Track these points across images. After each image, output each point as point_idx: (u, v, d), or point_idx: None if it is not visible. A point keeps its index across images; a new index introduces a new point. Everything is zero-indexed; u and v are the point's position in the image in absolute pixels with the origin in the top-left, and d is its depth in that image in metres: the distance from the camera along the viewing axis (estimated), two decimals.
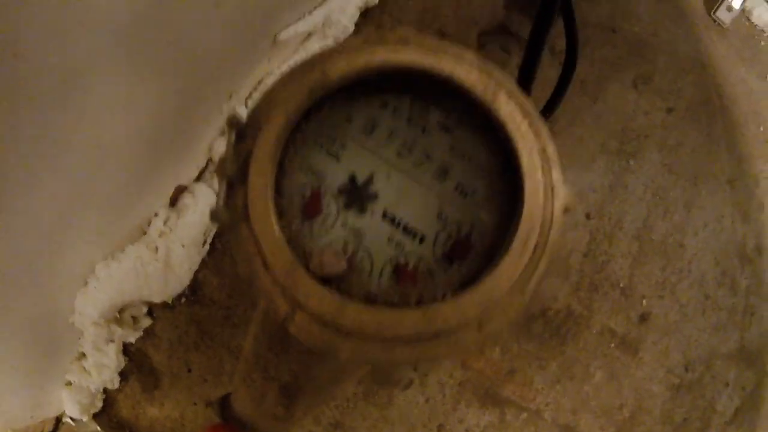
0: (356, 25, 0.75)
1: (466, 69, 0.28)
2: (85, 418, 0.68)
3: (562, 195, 0.28)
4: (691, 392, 0.82)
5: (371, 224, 0.29)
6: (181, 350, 0.71)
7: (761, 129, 1.00)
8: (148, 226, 0.66)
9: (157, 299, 0.67)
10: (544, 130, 0.29)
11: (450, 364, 0.68)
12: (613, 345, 0.76)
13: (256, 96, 0.70)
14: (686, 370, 0.82)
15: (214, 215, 0.26)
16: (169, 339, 0.72)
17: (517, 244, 0.26)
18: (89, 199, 0.55)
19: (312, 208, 0.29)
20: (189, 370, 0.71)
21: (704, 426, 0.83)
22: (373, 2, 0.76)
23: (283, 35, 0.66)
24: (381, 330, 0.24)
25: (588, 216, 0.78)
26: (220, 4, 0.54)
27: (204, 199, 0.68)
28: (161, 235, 0.65)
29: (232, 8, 0.56)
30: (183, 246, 0.65)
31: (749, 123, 0.98)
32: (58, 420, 0.71)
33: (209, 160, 0.71)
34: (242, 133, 0.28)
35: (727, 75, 1.01)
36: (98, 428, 0.72)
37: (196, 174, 0.70)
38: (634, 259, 0.79)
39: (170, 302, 0.70)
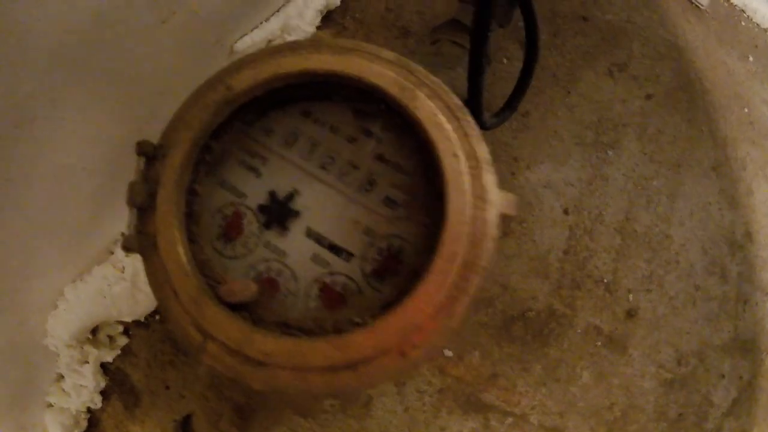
0: (317, 28, 0.73)
1: (378, 69, 0.26)
2: None
3: (496, 201, 0.27)
4: (685, 386, 0.80)
5: (295, 243, 0.28)
6: (157, 368, 0.70)
7: (745, 110, 0.97)
8: (114, 245, 0.64)
9: (127, 318, 0.66)
10: (474, 131, 0.27)
11: (428, 371, 0.67)
12: (599, 343, 0.74)
13: None
14: (678, 364, 0.80)
15: (126, 244, 0.25)
16: (145, 357, 0.71)
17: (440, 261, 0.24)
18: (53, 226, 0.54)
19: (232, 229, 0.27)
20: (167, 387, 0.70)
21: (701, 420, 0.80)
22: (334, 4, 0.75)
23: (240, 45, 0.64)
24: (290, 359, 0.22)
25: (566, 212, 0.76)
26: (167, 19, 0.53)
27: None
28: (127, 254, 0.63)
29: (182, 23, 0.55)
30: None
31: (732, 105, 0.96)
32: None
33: None
34: (152, 158, 0.27)
35: (706, 57, 0.98)
36: None
37: None
38: (618, 253, 0.77)
39: (143, 320, 0.69)
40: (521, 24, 0.51)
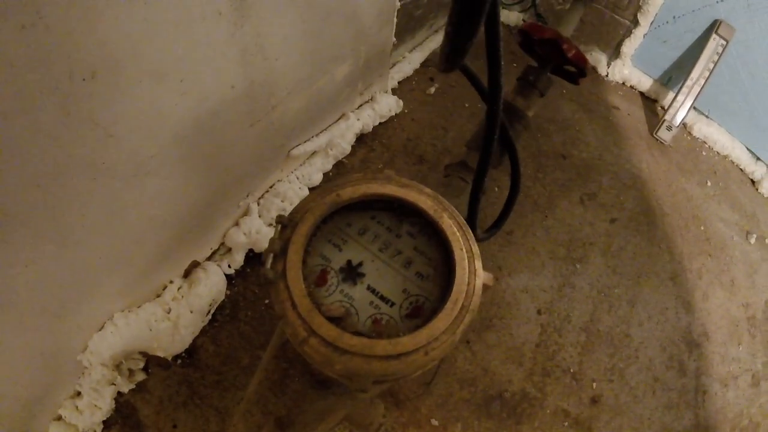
0: (352, 147, 1.02)
1: (423, 198, 0.52)
2: None
3: (482, 276, 0.50)
4: None
5: (359, 292, 0.50)
6: (170, 407, 0.85)
7: (702, 228, 1.26)
8: (164, 290, 0.84)
9: (161, 353, 0.83)
10: (471, 237, 0.52)
11: None
12: (566, 424, 0.92)
13: (272, 196, 0.94)
14: None
15: (264, 274, 0.47)
16: (159, 395, 0.86)
17: (449, 304, 0.47)
18: (126, 258, 0.74)
19: (321, 280, 0.50)
20: (174, 426, 0.84)
21: None
22: (367, 130, 1.05)
23: (295, 151, 0.91)
24: (363, 350, 0.44)
25: (539, 312, 1.00)
26: (254, 124, 0.80)
27: (214, 275, 0.88)
28: (174, 299, 0.83)
29: (262, 129, 0.82)
30: (191, 312, 0.83)
31: (690, 225, 1.25)
32: None
33: (222, 244, 0.92)
34: (284, 226, 0.50)
35: (667, 186, 1.30)
36: None
37: (209, 254, 0.91)
38: (583, 348, 0.99)
39: (169, 360, 0.86)
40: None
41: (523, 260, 1.04)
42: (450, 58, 0.37)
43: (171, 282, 0.85)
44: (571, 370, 0.96)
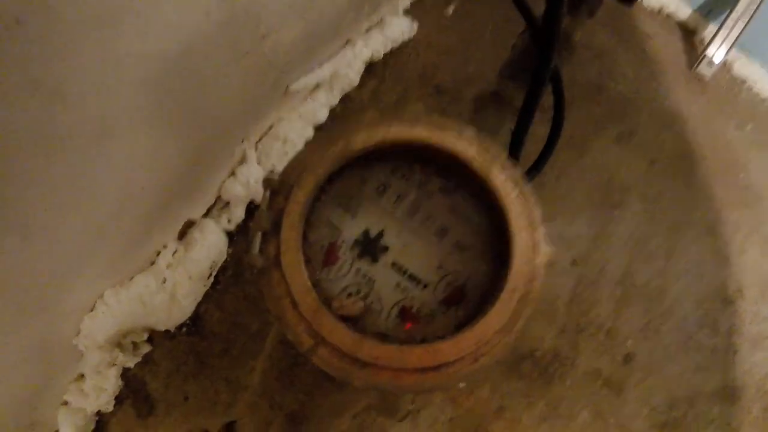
0: (361, 78, 0.83)
1: (465, 144, 0.35)
2: None
3: (544, 252, 0.35)
4: (677, 429, 0.87)
5: (381, 272, 0.36)
6: (178, 379, 0.75)
7: (741, 176, 1.09)
8: (157, 257, 0.71)
9: (160, 327, 0.71)
10: (530, 197, 0.36)
11: (441, 401, 0.73)
12: (598, 384, 0.81)
13: (271, 138, 0.77)
14: (671, 408, 0.87)
15: (250, 261, 0.33)
16: (167, 367, 0.76)
17: (505, 294, 0.33)
18: (106, 235, 0.61)
19: (330, 257, 0.35)
20: (186, 399, 0.75)
21: None
22: (377, 58, 0.85)
23: (294, 86, 0.73)
24: (392, 362, 0.30)
25: (574, 263, 0.86)
26: (241, 59, 0.62)
27: (211, 234, 0.73)
28: (169, 266, 0.70)
29: (252, 63, 0.64)
30: (189, 278, 0.70)
31: (728, 172, 1.08)
32: None
33: (218, 198, 0.77)
34: (275, 192, 0.34)
35: (706, 127, 1.11)
36: None
37: (204, 210, 0.76)
38: (618, 302, 0.86)
39: (171, 330, 0.74)
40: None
41: (557, 204, 0.89)
42: None
43: (165, 247, 0.71)
44: (605, 327, 0.83)
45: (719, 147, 1.13)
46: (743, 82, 1.29)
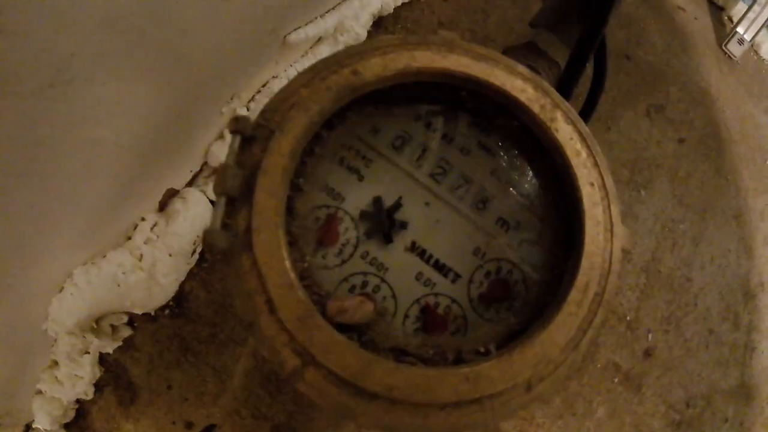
0: (368, 32, 0.70)
1: (520, 84, 0.24)
2: (55, 428, 0.62)
3: (621, 235, 0.24)
4: (691, 428, 0.79)
5: (397, 258, 0.24)
6: (161, 366, 0.65)
7: (767, 163, 0.98)
8: (134, 230, 0.60)
9: (138, 310, 0.60)
10: (602, 160, 0.25)
11: None
12: (616, 380, 0.72)
13: (265, 97, 0.64)
14: (687, 405, 0.78)
15: (208, 239, 0.21)
16: (149, 353, 0.65)
17: (575, 292, 0.21)
18: (72, 201, 0.49)
19: (327, 235, 0.24)
20: (169, 387, 0.64)
21: None
22: (387, 11, 0.72)
23: (293, 37, 0.61)
24: (413, 394, 0.19)
25: None
26: None
27: (196, 205, 0.62)
28: (147, 241, 0.59)
29: (243, 5, 0.52)
30: (170, 255, 0.59)
31: (756, 157, 0.96)
32: (28, 427, 0.64)
33: (204, 164, 0.65)
34: (249, 139, 0.23)
35: (735, 109, 0.99)
36: None
37: (189, 178, 0.64)
38: (642, 292, 0.75)
39: (153, 313, 0.64)
40: None
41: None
42: None
43: (142, 219, 0.60)
44: (628, 318, 0.73)
45: (748, 130, 1.01)
46: None
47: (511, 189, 0.26)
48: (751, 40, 1.10)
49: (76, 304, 0.56)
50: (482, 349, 0.21)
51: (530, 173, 0.26)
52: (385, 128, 0.27)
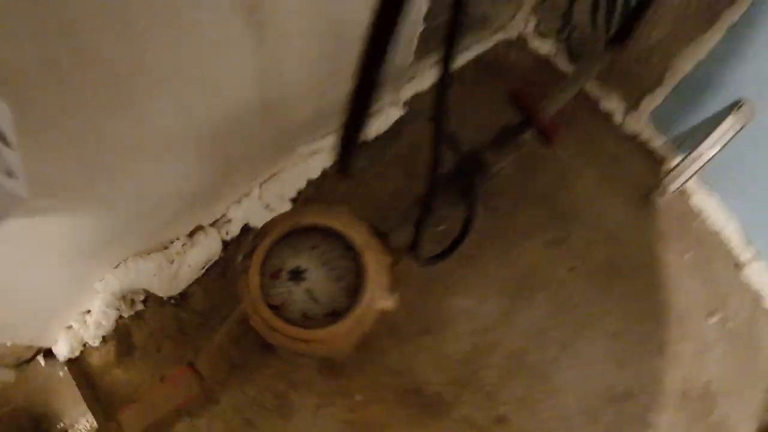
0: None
1: (358, 236, 0.82)
2: (64, 358, 1.15)
3: (383, 304, 0.81)
4: None
5: (299, 291, 0.81)
6: (159, 336, 1.21)
7: (663, 297, 1.50)
8: (170, 244, 1.18)
9: (160, 293, 1.18)
10: (385, 260, 0.82)
11: (341, 406, 1.17)
12: None
13: (272, 184, 1.26)
14: None
15: (235, 266, 0.80)
16: (152, 325, 1.22)
17: (349, 320, 0.78)
18: (141, 220, 1.09)
19: (274, 275, 0.82)
20: (158, 351, 1.20)
21: None
22: (371, 137, 1.33)
23: (300, 149, 1.22)
24: (285, 331, 0.76)
25: (474, 332, 1.29)
26: (266, 127, 1.10)
27: (213, 240, 1.21)
28: (177, 253, 1.17)
29: (275, 129, 1.12)
30: (189, 266, 1.18)
31: (653, 291, 1.49)
32: (39, 351, 1.18)
33: (224, 215, 1.25)
34: (256, 236, 0.81)
35: (643, 249, 1.54)
36: (64, 372, 1.18)
37: (212, 221, 1.24)
38: (505, 372, 1.28)
39: (164, 298, 1.21)
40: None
41: (475, 285, 1.34)
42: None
43: (177, 239, 1.19)
44: (487, 389, 1.26)
45: (650, 268, 1.55)
46: (699, 213, 1.71)
47: (352, 276, 0.84)
48: (676, 191, 1.64)
49: (122, 278, 1.14)
50: (316, 328, 0.79)
51: (358, 272, 0.84)
52: (310, 239, 0.86)
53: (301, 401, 1.19)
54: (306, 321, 0.79)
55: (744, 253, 1.68)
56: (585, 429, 1.32)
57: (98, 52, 0.65)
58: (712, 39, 1.49)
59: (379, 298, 0.81)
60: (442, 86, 0.58)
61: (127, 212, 1.05)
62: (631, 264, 1.52)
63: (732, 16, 1.42)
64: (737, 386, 1.48)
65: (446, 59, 0.53)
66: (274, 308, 0.78)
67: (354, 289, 0.82)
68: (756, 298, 1.65)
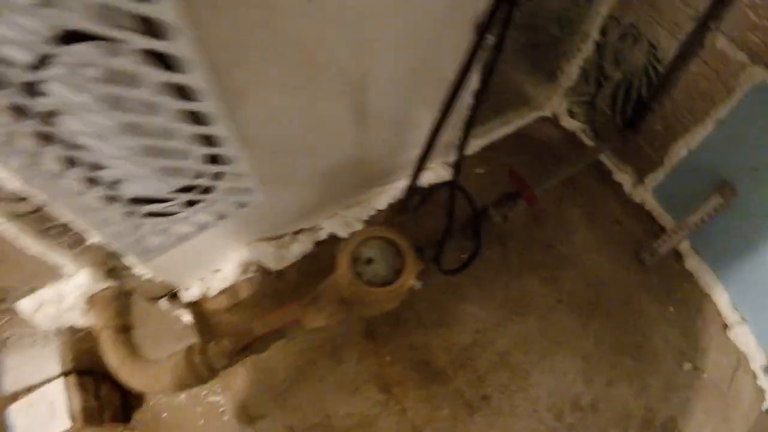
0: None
1: (401, 239, 1.58)
2: (189, 300, 1.93)
3: (412, 283, 1.55)
4: None
5: (370, 269, 1.57)
6: (260, 295, 1.97)
7: (639, 337, 2.10)
8: (282, 237, 1.96)
9: (268, 266, 1.95)
10: (417, 263, 1.57)
11: (376, 365, 1.89)
12: (459, 403, 1.90)
13: (358, 208, 2.03)
14: None
15: (337, 252, 1.57)
16: (257, 288, 1.99)
17: (398, 282, 1.53)
18: (276, 220, 1.86)
19: (357, 259, 1.58)
20: (256, 305, 1.96)
21: None
22: (424, 185, 2.09)
23: (375, 189, 1.98)
24: (363, 290, 1.51)
25: (477, 331, 1.98)
26: (354, 174, 1.87)
27: (308, 239, 1.99)
28: (286, 244, 1.94)
29: (362, 175, 1.89)
30: (292, 253, 1.95)
31: (629, 332, 2.04)
32: (167, 293, 1.97)
33: (317, 225, 2.03)
34: (348, 238, 1.58)
35: (627, 296, 2.12)
36: (179, 310, 1.96)
37: (310, 227, 2.02)
38: (495, 365, 1.96)
39: (271, 271, 1.98)
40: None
41: (482, 298, 2.02)
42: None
43: (287, 234, 1.96)
44: (479, 373, 1.94)
45: (629, 312, 2.15)
46: (690, 275, 2.29)
47: (397, 262, 1.61)
48: (664, 254, 2.25)
49: (251, 252, 1.92)
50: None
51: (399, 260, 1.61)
52: (377, 240, 1.64)
53: (349, 353, 1.90)
54: (371, 285, 1.53)
55: (731, 316, 2.12)
56: (550, 422, 1.94)
57: None
58: (702, 132, 2.03)
59: (410, 280, 1.54)
60: (456, 162, 1.34)
61: (275, 215, 1.83)
62: (613, 307, 2.14)
63: (719, 114, 1.96)
64: (704, 429, 1.96)
65: (463, 138, 1.29)
66: (357, 275, 1.53)
67: (398, 272, 1.55)
68: (740, 358, 2.12)
